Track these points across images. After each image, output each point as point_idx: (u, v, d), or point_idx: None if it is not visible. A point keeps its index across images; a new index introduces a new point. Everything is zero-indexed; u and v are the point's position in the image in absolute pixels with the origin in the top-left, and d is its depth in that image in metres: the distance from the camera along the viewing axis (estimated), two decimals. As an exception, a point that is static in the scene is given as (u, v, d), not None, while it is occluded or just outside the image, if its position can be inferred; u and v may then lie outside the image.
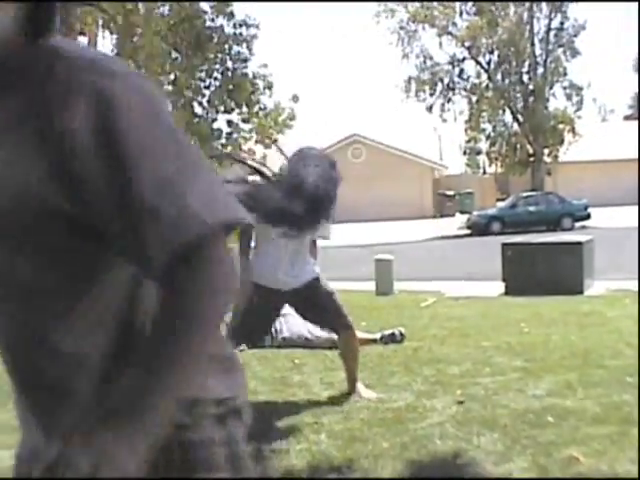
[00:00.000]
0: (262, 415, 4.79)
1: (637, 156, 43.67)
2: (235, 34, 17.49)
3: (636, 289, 10.66)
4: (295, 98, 18.38)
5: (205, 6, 17.53)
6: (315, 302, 5.21)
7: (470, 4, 39.29)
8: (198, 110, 17.65)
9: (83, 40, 17.93)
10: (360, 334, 7.29)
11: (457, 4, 39.39)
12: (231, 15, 17.52)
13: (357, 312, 9.24)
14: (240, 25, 17.62)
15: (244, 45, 17.53)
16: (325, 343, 6.95)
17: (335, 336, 7.09)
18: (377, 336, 7.17)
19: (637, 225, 27.55)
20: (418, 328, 7.84)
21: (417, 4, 38.61)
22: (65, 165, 1.08)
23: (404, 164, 42.92)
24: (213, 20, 17.47)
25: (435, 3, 38.78)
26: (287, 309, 7.48)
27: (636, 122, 55.96)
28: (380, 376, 5.73)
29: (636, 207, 36.79)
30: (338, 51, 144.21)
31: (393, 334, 7.15)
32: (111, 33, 18.10)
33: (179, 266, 1.10)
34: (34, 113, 1.10)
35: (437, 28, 39.07)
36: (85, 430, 1.08)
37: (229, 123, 17.80)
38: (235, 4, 17.70)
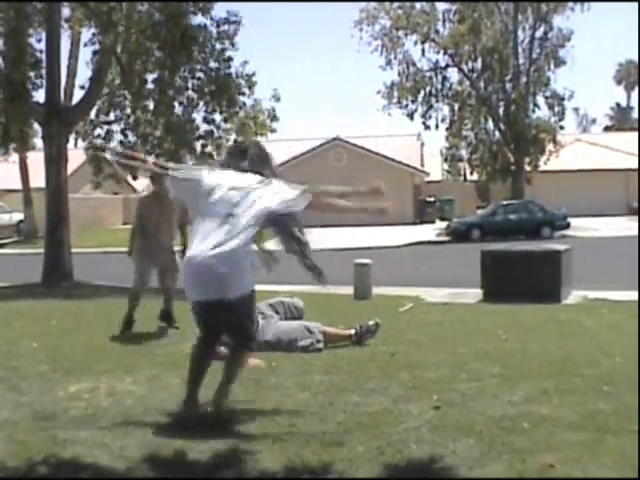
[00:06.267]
0: (238, 417, 4.77)
1: (615, 167, 44.28)
2: (218, 32, 17.32)
3: (613, 298, 10.76)
4: (276, 97, 18.27)
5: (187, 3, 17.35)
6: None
7: (452, 11, 39.38)
8: (179, 110, 17.50)
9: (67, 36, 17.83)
10: (336, 330, 7.36)
11: (439, 11, 39.49)
12: (210, 11, 17.29)
13: (335, 315, 9.25)
14: (223, 23, 17.46)
15: (227, 42, 17.33)
16: (305, 348, 6.93)
17: (311, 341, 7.09)
18: (352, 332, 7.19)
19: (618, 235, 27.92)
20: (395, 333, 7.84)
21: (399, 11, 38.64)
22: None
23: (385, 169, 42.86)
24: (195, 14, 17.27)
25: (417, 7, 38.84)
26: (270, 311, 7.47)
27: (616, 134, 56.73)
28: (357, 380, 5.71)
29: (615, 218, 37.24)
30: (321, 55, 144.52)
31: (367, 326, 7.20)
32: (96, 29, 17.91)
33: None
34: None
35: (419, 35, 39.14)
36: None
37: (210, 122, 17.66)
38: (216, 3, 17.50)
